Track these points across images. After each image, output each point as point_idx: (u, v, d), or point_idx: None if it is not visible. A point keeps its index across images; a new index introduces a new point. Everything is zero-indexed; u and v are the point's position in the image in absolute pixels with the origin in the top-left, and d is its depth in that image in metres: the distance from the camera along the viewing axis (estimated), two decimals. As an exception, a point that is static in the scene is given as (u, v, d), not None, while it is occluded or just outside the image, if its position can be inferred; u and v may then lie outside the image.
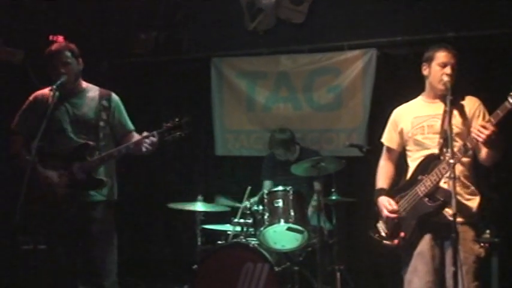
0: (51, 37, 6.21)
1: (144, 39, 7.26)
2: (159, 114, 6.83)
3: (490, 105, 3.79)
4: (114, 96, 4.50)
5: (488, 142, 3.57)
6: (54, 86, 4.13)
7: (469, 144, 3.66)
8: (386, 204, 4.04)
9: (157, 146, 4.22)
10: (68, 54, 4.28)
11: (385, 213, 4.02)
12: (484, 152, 3.78)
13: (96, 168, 4.22)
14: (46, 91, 4.32)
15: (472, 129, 3.66)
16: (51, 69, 4.26)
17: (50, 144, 4.21)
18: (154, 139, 4.17)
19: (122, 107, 4.52)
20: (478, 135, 3.54)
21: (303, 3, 6.74)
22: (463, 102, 3.89)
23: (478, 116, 3.86)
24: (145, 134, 4.21)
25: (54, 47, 4.35)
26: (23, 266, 5.50)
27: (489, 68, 5.92)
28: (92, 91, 4.45)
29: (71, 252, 4.25)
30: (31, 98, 4.44)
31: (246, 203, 5.65)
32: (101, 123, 4.32)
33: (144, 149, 4.17)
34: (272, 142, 6.27)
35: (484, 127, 3.53)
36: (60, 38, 6.15)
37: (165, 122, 4.22)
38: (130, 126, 4.53)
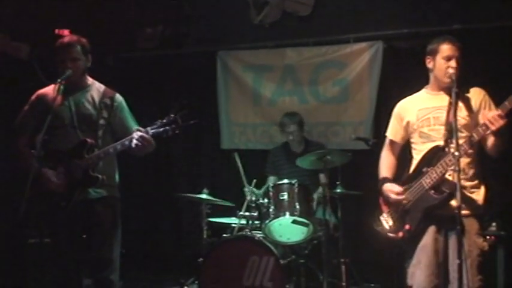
0: (57, 31, 6.20)
1: (150, 33, 7.28)
2: (164, 109, 6.80)
3: (497, 98, 3.78)
4: (118, 96, 4.41)
5: (498, 132, 3.57)
6: (60, 80, 4.07)
7: (475, 136, 3.64)
8: (391, 188, 4.02)
9: (150, 143, 4.06)
10: (79, 49, 4.22)
11: (393, 197, 3.99)
12: (491, 141, 3.76)
13: (93, 166, 4.13)
14: (49, 89, 4.27)
15: (482, 117, 3.63)
16: (59, 63, 4.19)
17: (52, 139, 4.14)
18: (143, 134, 4.00)
19: (126, 108, 4.42)
20: (491, 124, 3.52)
21: (308, -4, 6.74)
22: (468, 95, 3.86)
23: (485, 107, 3.84)
24: (139, 129, 4.07)
25: (66, 39, 4.28)
26: (29, 258, 5.52)
27: (495, 60, 5.88)
28: (97, 88, 4.38)
29: (74, 247, 4.23)
30: (33, 97, 4.37)
31: (249, 191, 5.65)
32: (101, 121, 4.26)
33: (133, 145, 4.01)
34: (283, 125, 6.29)
35: (496, 118, 3.51)
36: (66, 32, 6.13)
37: (160, 118, 4.08)
38: (133, 126, 4.31)
